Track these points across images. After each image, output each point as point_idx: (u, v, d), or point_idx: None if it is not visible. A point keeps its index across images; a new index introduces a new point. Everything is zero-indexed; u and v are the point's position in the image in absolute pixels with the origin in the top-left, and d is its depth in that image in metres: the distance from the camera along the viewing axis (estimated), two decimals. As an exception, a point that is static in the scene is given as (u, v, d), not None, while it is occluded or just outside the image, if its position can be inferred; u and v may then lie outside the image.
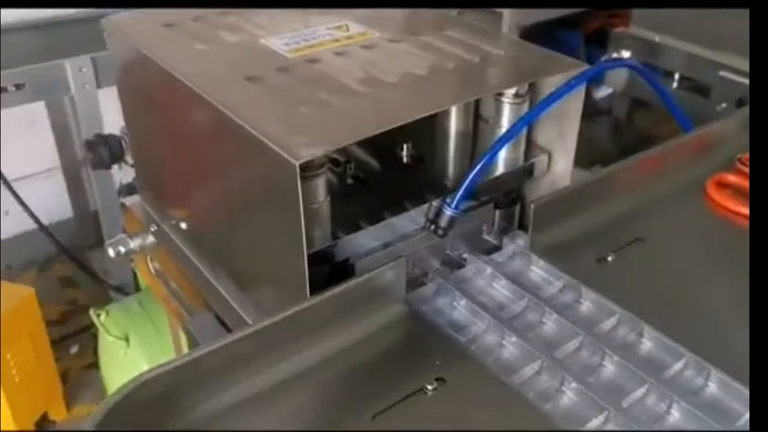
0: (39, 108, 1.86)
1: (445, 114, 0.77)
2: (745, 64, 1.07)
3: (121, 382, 0.50)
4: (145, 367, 0.60)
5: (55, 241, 1.73)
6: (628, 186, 0.76)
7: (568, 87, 0.68)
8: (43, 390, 1.63)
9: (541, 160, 0.74)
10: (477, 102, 0.78)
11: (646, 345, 0.60)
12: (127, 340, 1.45)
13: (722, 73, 1.13)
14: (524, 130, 0.73)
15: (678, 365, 0.57)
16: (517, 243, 0.71)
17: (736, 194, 0.75)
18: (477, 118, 0.79)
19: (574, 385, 0.56)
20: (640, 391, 0.56)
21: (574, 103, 0.70)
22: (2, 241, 2.07)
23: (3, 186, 1.64)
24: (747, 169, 0.77)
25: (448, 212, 0.67)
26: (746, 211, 0.73)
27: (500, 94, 0.71)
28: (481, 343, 0.61)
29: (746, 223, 0.73)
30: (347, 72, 0.68)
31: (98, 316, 1.48)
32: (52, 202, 1.96)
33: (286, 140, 0.56)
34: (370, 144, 0.75)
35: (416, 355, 0.59)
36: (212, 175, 0.71)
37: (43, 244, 1.80)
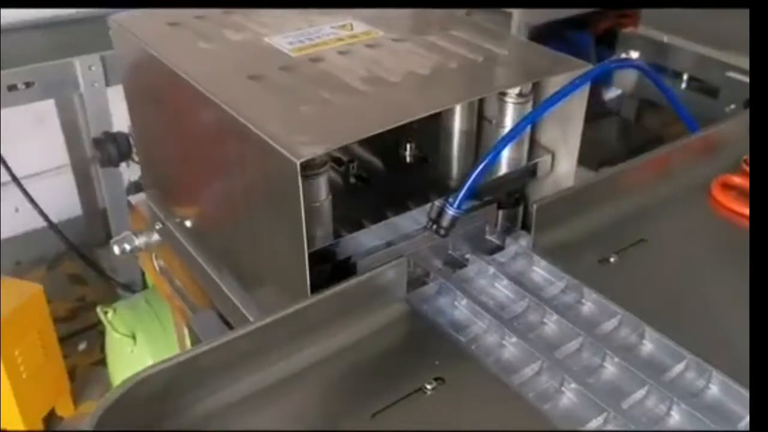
0: (49, 106, 1.87)
1: (449, 114, 0.77)
2: (754, 66, 1.07)
3: (127, 380, 0.51)
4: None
5: (64, 238, 1.74)
6: (632, 187, 0.75)
7: (572, 87, 0.67)
8: (51, 386, 1.64)
9: (544, 161, 0.74)
10: (481, 102, 0.78)
11: (648, 346, 0.60)
12: (134, 337, 1.46)
13: (731, 74, 1.12)
14: (527, 130, 0.72)
15: (679, 367, 0.57)
16: (519, 243, 0.70)
17: (741, 196, 0.75)
18: (481, 118, 0.79)
19: (573, 385, 0.56)
20: (640, 393, 0.55)
21: (578, 103, 0.69)
22: (12, 238, 2.09)
23: (13, 183, 1.65)
24: (753, 171, 0.77)
25: (450, 212, 0.67)
26: (750, 212, 0.73)
27: (504, 94, 0.71)
28: (481, 343, 0.61)
29: (750, 224, 0.72)
30: (350, 71, 0.68)
31: (105, 313, 1.49)
32: (61, 199, 1.98)
33: (287, 139, 0.57)
34: (374, 143, 0.75)
35: (416, 354, 0.59)
36: (215, 173, 0.71)
37: (52, 242, 1.82)
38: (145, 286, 1.73)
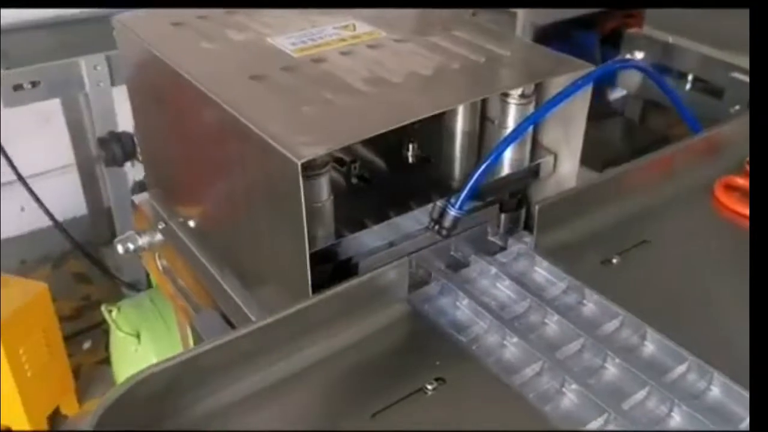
0: (54, 105, 1.87)
1: (452, 114, 0.77)
2: (759, 67, 1.06)
3: (131, 379, 0.51)
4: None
5: (69, 237, 1.75)
6: (634, 188, 0.75)
7: (574, 88, 0.67)
8: (56, 385, 1.65)
9: (546, 161, 0.74)
10: (483, 102, 0.78)
11: (649, 348, 0.60)
12: (138, 336, 1.46)
13: (735, 75, 1.12)
14: (530, 131, 0.72)
15: (680, 368, 0.57)
16: (521, 244, 0.70)
17: (744, 197, 0.74)
18: (483, 119, 0.79)
19: (574, 386, 0.56)
20: (641, 394, 0.55)
21: (581, 104, 0.69)
22: (17, 237, 2.10)
23: (19, 182, 1.66)
24: (755, 172, 0.77)
25: (452, 212, 0.67)
26: (753, 213, 0.73)
27: (506, 95, 0.71)
28: (482, 343, 0.61)
29: (754, 226, 0.72)
30: (352, 71, 0.68)
31: (110, 312, 1.50)
32: (66, 198, 1.98)
33: (288, 139, 0.57)
34: (376, 144, 0.75)
35: (417, 354, 0.59)
36: (217, 173, 0.71)
37: (57, 241, 1.83)
38: (149, 285, 1.74)
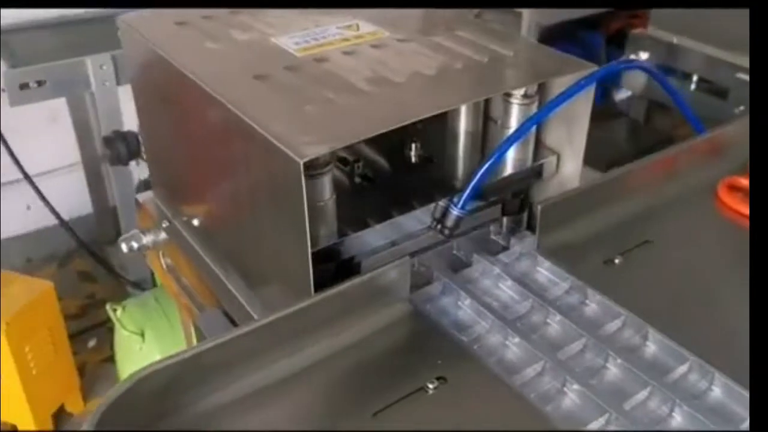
0: (61, 104, 1.88)
1: (455, 114, 0.77)
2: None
3: (135, 378, 0.51)
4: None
5: (74, 236, 1.76)
6: (637, 188, 0.75)
7: (577, 88, 0.67)
8: (61, 383, 1.65)
9: (549, 162, 0.74)
10: (487, 102, 0.78)
11: (651, 348, 0.60)
12: (142, 335, 1.47)
13: (740, 76, 1.11)
14: (533, 131, 0.72)
15: (682, 369, 0.57)
16: (524, 244, 0.70)
17: (747, 198, 0.74)
18: (486, 119, 0.79)
19: (576, 386, 0.56)
20: (642, 394, 0.55)
21: (584, 104, 0.69)
22: (24, 235, 2.11)
23: (25, 181, 1.67)
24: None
25: (455, 212, 0.67)
26: (756, 214, 0.72)
27: (509, 95, 0.71)
28: (484, 343, 0.61)
29: (757, 227, 0.72)
30: (355, 71, 0.68)
31: (114, 311, 1.50)
32: (72, 197, 1.99)
33: (291, 139, 0.57)
34: (379, 143, 0.75)
35: (418, 354, 0.59)
36: (221, 172, 0.72)
37: (63, 239, 1.83)
38: (154, 284, 1.74)
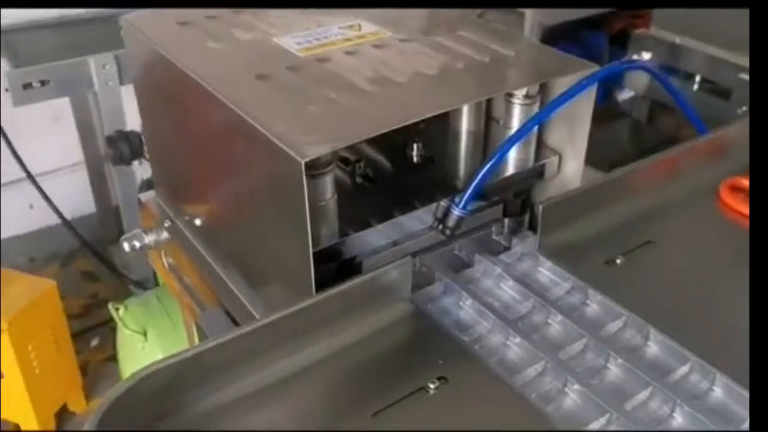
0: (64, 104, 1.89)
1: (457, 114, 0.77)
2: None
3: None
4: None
5: (77, 235, 1.76)
6: (639, 188, 0.75)
7: (578, 88, 0.67)
8: (64, 382, 1.66)
9: (551, 162, 0.74)
10: (489, 102, 0.78)
11: (652, 348, 0.60)
12: (144, 334, 1.47)
13: (743, 76, 1.11)
14: (535, 131, 0.72)
15: (683, 369, 0.57)
16: (525, 244, 0.70)
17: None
18: (489, 119, 0.79)
19: (577, 386, 0.56)
20: (643, 394, 0.55)
21: (585, 104, 0.69)
22: (27, 234, 2.11)
23: (28, 180, 1.67)
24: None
25: (456, 212, 0.67)
26: (759, 215, 0.72)
27: (510, 95, 0.71)
28: (485, 343, 0.61)
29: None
30: (357, 71, 0.68)
31: (117, 310, 1.51)
32: (75, 197, 1.99)
33: (292, 138, 0.57)
34: (381, 143, 0.75)
35: (419, 354, 0.59)
36: (223, 172, 0.72)
37: (66, 239, 1.84)
38: (157, 283, 1.74)
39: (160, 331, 1.46)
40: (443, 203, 0.68)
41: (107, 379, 1.78)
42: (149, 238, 0.90)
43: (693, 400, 0.54)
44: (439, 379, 0.56)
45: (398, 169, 0.75)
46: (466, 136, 0.77)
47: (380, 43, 0.74)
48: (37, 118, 1.89)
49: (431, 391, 0.55)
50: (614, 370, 0.58)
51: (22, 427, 1.60)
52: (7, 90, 1.51)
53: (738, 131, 0.80)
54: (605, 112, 1.47)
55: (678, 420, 0.54)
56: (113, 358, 1.69)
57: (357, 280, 0.60)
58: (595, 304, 0.64)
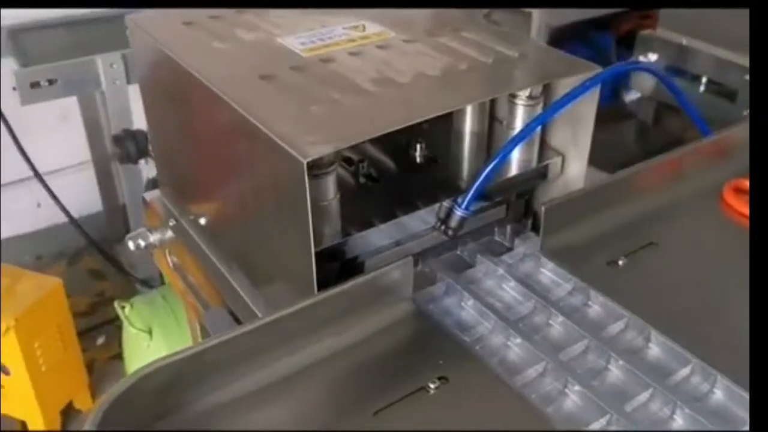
0: (72, 103, 1.89)
1: (460, 115, 0.77)
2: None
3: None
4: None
5: (84, 233, 1.77)
6: (643, 190, 0.75)
7: (581, 89, 0.67)
8: (70, 379, 1.66)
9: (554, 163, 0.74)
10: (492, 103, 0.78)
11: (653, 350, 0.60)
12: (150, 332, 1.47)
13: (749, 78, 1.11)
14: (538, 132, 0.73)
15: (684, 371, 0.57)
16: (527, 245, 0.71)
17: (754, 200, 0.74)
18: (493, 119, 0.79)
19: (577, 388, 0.56)
20: (644, 396, 0.55)
21: (589, 105, 0.69)
22: (34, 232, 2.12)
23: (36, 179, 1.68)
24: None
25: (459, 213, 0.67)
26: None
27: (514, 96, 0.72)
28: (486, 343, 0.61)
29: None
30: (360, 72, 0.68)
31: (122, 308, 1.51)
32: (82, 195, 2.00)
33: (295, 138, 0.57)
34: (384, 143, 0.75)
35: (420, 353, 0.60)
36: (227, 171, 0.72)
37: (72, 237, 1.84)
38: (162, 282, 1.75)
39: (166, 329, 1.47)
40: (446, 204, 0.68)
41: (113, 377, 1.79)
42: (154, 237, 0.90)
43: (693, 402, 0.54)
44: (439, 378, 0.56)
45: (401, 170, 0.75)
46: (470, 137, 0.78)
47: (384, 44, 0.74)
48: (45, 117, 1.89)
49: (431, 391, 0.55)
50: (615, 372, 0.58)
51: (28, 424, 1.61)
52: (14, 89, 1.51)
53: (742, 133, 0.80)
54: (612, 113, 1.47)
55: (678, 422, 0.54)
56: (119, 356, 1.69)
57: (359, 280, 0.61)
58: (596, 306, 0.64)
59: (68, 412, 1.68)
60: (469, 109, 0.76)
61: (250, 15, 0.82)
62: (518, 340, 0.60)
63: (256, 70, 0.69)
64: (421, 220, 0.69)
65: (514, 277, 0.66)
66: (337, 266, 0.65)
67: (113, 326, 1.84)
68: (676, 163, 0.77)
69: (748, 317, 0.58)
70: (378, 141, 0.72)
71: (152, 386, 0.52)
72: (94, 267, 2.14)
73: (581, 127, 0.71)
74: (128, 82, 1.60)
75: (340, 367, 0.59)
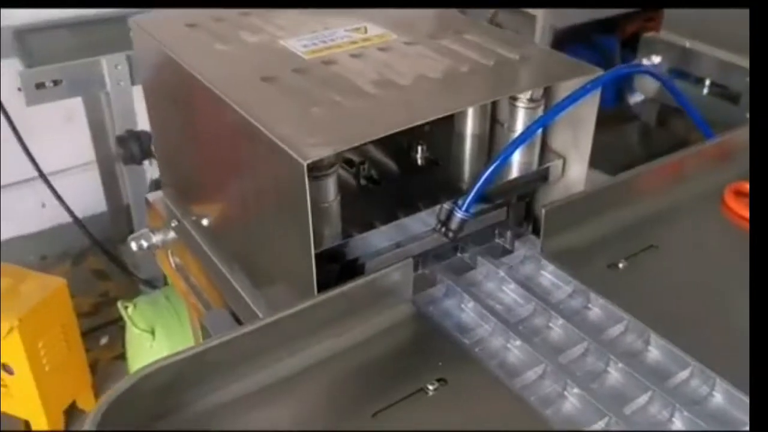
0: (77, 104, 1.90)
1: (461, 117, 0.77)
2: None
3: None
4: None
5: (88, 234, 1.77)
6: (644, 192, 0.75)
7: (582, 91, 0.67)
8: (73, 379, 1.67)
9: (555, 165, 0.74)
10: (494, 105, 0.78)
11: (653, 353, 0.60)
12: (153, 332, 1.48)
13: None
14: (539, 135, 0.73)
15: (683, 374, 0.57)
16: (528, 247, 0.71)
17: (754, 203, 0.74)
18: (494, 122, 0.79)
19: (576, 390, 0.56)
20: (643, 399, 0.55)
21: (589, 108, 0.69)
22: (38, 232, 2.13)
23: (40, 179, 1.68)
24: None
25: (459, 215, 0.67)
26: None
27: (515, 98, 0.72)
28: (485, 345, 0.61)
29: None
30: (362, 74, 0.68)
31: (126, 308, 1.52)
32: (87, 195, 2.01)
33: (296, 140, 0.57)
34: (385, 145, 0.76)
35: (420, 355, 0.60)
36: (228, 173, 0.72)
37: (77, 237, 1.85)
38: (166, 282, 1.75)
39: (168, 330, 1.47)
40: (446, 206, 0.68)
41: (116, 377, 1.78)
42: (156, 238, 0.90)
43: (692, 405, 0.54)
44: (438, 380, 0.56)
45: (402, 171, 0.75)
46: (471, 139, 0.78)
47: (386, 46, 0.75)
48: (50, 118, 1.90)
49: (430, 393, 0.56)
50: (614, 374, 0.58)
51: (32, 424, 1.61)
52: (20, 90, 1.52)
53: (743, 136, 0.80)
54: (616, 115, 1.47)
55: (677, 425, 0.54)
56: (123, 356, 1.70)
57: (359, 282, 0.61)
58: (596, 308, 0.64)
59: (71, 411, 1.69)
60: (470, 112, 0.76)
61: (253, 17, 0.82)
62: (518, 343, 0.60)
63: (258, 72, 0.69)
64: (421, 222, 0.69)
65: (514, 280, 0.67)
66: (337, 268, 0.65)
67: (117, 326, 1.85)
68: (677, 165, 0.77)
69: (748, 320, 0.58)
70: (379, 143, 0.72)
71: (153, 386, 0.52)
72: (98, 267, 2.14)
73: (582, 129, 0.72)
74: (133, 83, 1.61)
75: (339, 368, 0.59)
